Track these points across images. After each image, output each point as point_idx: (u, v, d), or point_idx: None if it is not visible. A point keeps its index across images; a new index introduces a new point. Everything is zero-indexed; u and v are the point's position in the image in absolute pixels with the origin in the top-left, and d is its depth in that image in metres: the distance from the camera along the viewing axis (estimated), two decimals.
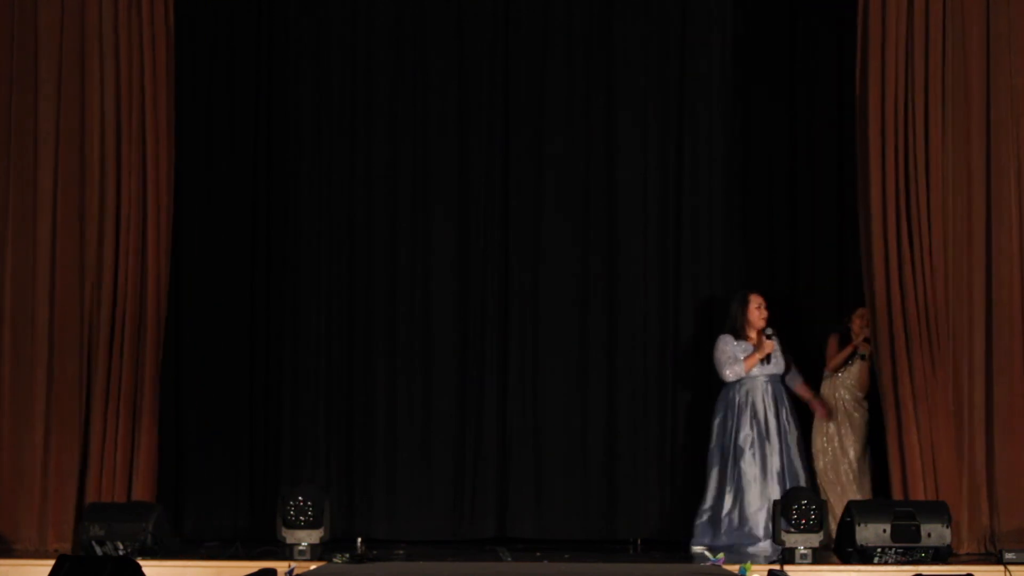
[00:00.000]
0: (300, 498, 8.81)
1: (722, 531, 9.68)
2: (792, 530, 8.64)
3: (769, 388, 9.86)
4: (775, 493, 9.51)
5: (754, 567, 8.19)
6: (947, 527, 8.61)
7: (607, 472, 10.37)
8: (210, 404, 10.45)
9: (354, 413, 10.47)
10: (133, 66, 9.38)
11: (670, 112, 10.55)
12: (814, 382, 10.14)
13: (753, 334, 9.89)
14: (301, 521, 8.77)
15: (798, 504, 8.69)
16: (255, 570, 7.89)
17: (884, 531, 8.59)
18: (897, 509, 8.67)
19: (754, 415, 9.80)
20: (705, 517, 9.78)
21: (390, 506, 10.38)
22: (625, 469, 10.34)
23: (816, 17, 10.47)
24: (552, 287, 10.49)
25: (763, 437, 9.75)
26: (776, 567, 8.32)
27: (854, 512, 8.70)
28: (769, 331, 9.83)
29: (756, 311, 9.89)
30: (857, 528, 8.61)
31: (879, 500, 9.47)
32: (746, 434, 9.75)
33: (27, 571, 8.58)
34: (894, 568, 8.48)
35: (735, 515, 9.68)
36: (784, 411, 9.87)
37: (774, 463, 9.72)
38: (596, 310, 10.47)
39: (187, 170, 10.30)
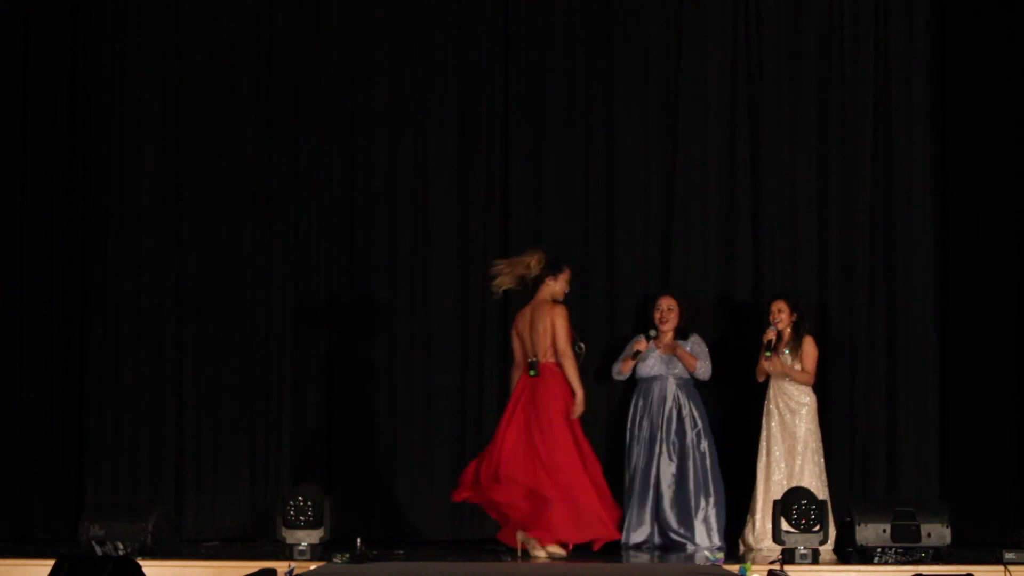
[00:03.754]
0: (300, 498, 8.81)
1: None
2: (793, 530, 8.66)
3: (673, 388, 9.89)
4: (666, 497, 9.75)
5: (754, 567, 8.18)
6: (947, 527, 8.61)
7: (606, 472, 10.34)
8: (210, 404, 10.46)
9: (354, 413, 10.47)
10: None
11: (671, 110, 10.54)
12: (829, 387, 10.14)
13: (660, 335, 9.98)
14: (301, 521, 8.77)
15: (798, 504, 8.68)
16: (255, 570, 7.88)
17: (884, 531, 8.58)
18: (897, 509, 8.66)
19: (651, 413, 9.87)
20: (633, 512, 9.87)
21: (390, 506, 10.38)
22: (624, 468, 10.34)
23: None
24: None
25: (659, 437, 9.84)
26: (776, 567, 8.32)
27: (854, 512, 8.69)
28: (652, 332, 9.90)
29: (655, 312, 9.97)
30: (857, 528, 8.60)
31: (879, 500, 9.46)
32: (644, 433, 9.87)
33: (27, 571, 8.57)
34: (894, 568, 8.47)
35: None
36: (688, 412, 9.87)
37: (666, 464, 9.82)
38: (596, 308, 10.46)
39: (191, 171, 10.37)
